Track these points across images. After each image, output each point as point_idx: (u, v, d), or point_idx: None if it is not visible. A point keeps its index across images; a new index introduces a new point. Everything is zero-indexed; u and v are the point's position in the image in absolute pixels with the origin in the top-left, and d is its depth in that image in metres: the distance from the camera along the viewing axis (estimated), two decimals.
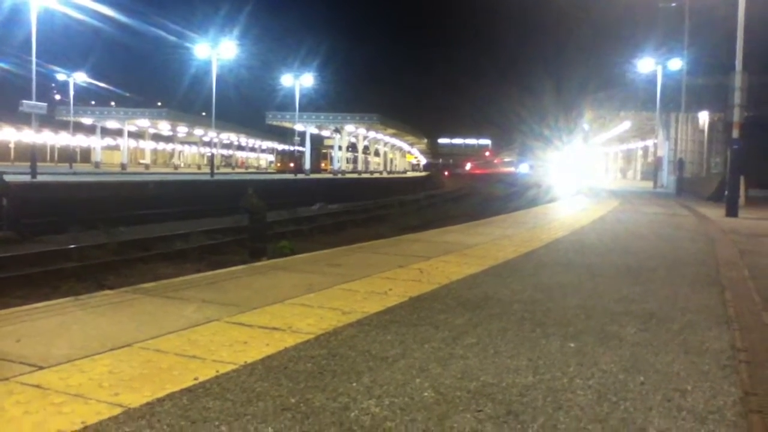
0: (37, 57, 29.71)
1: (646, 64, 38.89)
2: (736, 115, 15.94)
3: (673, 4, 33.17)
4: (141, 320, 4.17)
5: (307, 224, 20.54)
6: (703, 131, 42.16)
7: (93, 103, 76.20)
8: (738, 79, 15.91)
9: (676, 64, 37.07)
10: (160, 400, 2.75)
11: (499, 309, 4.79)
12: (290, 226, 19.63)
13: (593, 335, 4.08)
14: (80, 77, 58.50)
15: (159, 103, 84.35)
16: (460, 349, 3.68)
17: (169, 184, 30.87)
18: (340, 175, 60.01)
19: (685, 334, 4.17)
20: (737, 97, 15.98)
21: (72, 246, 13.31)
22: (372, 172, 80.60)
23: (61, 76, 59.97)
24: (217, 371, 3.15)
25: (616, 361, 3.54)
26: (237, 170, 79.41)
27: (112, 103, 78.60)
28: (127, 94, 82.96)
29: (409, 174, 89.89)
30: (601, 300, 5.26)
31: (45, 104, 31.33)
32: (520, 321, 4.42)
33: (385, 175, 79.72)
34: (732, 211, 15.62)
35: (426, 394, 2.95)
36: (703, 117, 40.74)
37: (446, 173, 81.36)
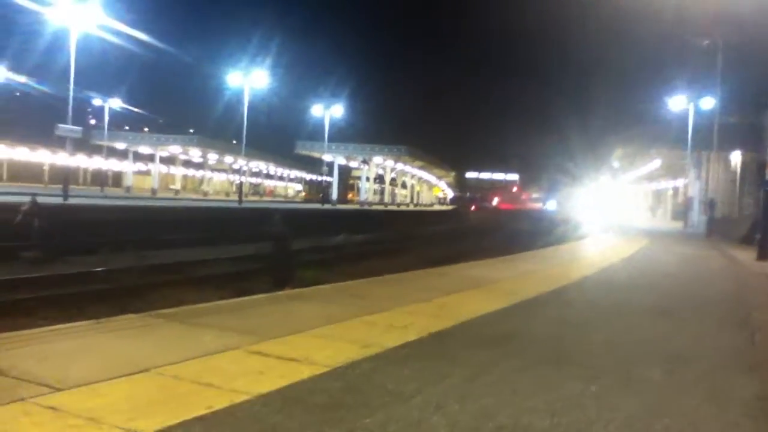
0: (74, 82, 30.41)
1: (678, 102, 38.64)
2: None
3: (706, 42, 32.93)
4: (160, 345, 4.19)
5: (332, 253, 20.55)
6: (735, 171, 41.60)
7: (126, 128, 77.78)
8: None
9: (709, 102, 36.74)
10: (172, 428, 2.74)
11: (520, 347, 4.72)
12: (315, 254, 19.65)
13: (616, 379, 3.99)
14: (115, 103, 59.86)
15: (191, 130, 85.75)
16: (479, 389, 3.62)
17: (197, 210, 31.25)
18: (366, 206, 60.17)
19: (714, 380, 4.07)
20: None
21: (99, 269, 13.45)
22: (399, 204, 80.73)
23: (96, 101, 61.43)
24: (232, 401, 3.14)
25: (638, 408, 3.45)
26: (264, 198, 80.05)
27: (146, 129, 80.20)
28: (161, 120, 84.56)
29: (436, 207, 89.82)
30: (620, 341, 5.16)
31: (80, 128, 32.07)
32: (540, 360, 4.35)
33: (411, 207, 79.78)
34: (764, 255, 15.29)
35: None
36: (736, 157, 40.22)
37: (473, 207, 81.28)
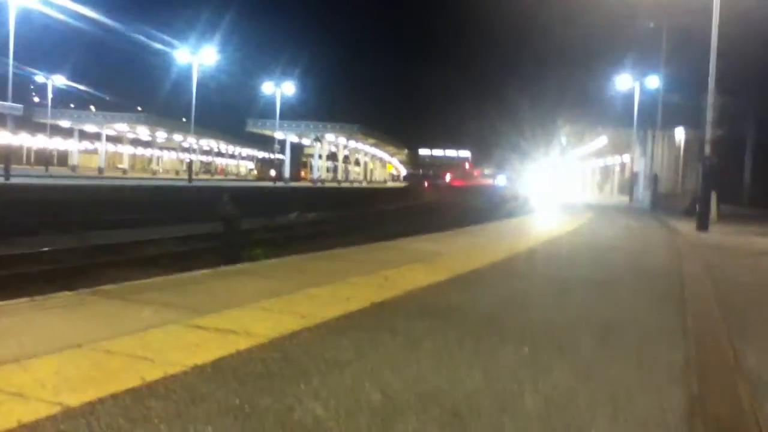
0: (14, 58, 29.40)
1: (624, 81, 39.46)
2: (708, 132, 16.19)
3: (652, 25, 33.58)
4: (95, 322, 4.12)
5: (283, 232, 20.43)
6: (679, 148, 42.72)
7: (72, 106, 75.56)
8: (710, 98, 16.18)
9: (654, 81, 37.55)
10: (102, 400, 2.71)
11: (459, 317, 4.80)
12: (266, 234, 19.50)
13: (550, 345, 4.09)
14: (59, 80, 58.08)
15: (139, 108, 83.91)
16: (415, 356, 3.68)
17: (145, 189, 30.65)
18: (319, 184, 59.92)
19: (642, 348, 4.20)
20: (709, 115, 16.23)
21: (40, 249, 13.11)
22: (352, 182, 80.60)
23: (39, 78, 59.47)
24: (165, 372, 3.11)
25: (568, 370, 3.55)
26: (216, 177, 78.95)
27: (92, 107, 78.01)
28: (107, 98, 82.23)
29: (390, 184, 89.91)
30: (558, 313, 5.29)
31: (21, 106, 31.14)
32: (478, 330, 4.43)
33: (365, 185, 79.69)
34: (703, 226, 15.78)
35: (374, 398, 2.94)
36: (679, 134, 41.30)
37: (426, 184, 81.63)
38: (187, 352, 3.49)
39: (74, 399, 2.71)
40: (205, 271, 6.51)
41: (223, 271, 6.65)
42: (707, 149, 16.07)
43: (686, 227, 16.56)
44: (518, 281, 6.79)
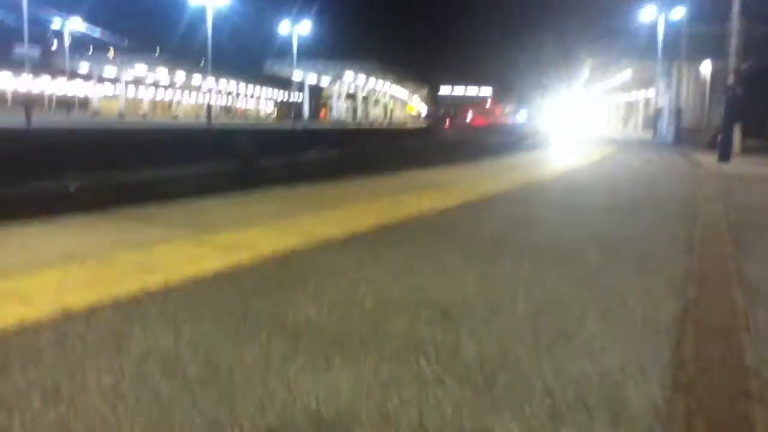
0: (31, 4, 29.27)
1: (649, 12, 38.21)
2: (733, 62, 15.78)
3: None
4: (104, 237, 4.23)
5: (301, 170, 20.48)
6: (705, 82, 41.63)
7: (90, 51, 75.31)
8: (735, 23, 15.68)
9: (679, 12, 36.36)
10: (103, 304, 2.80)
11: (463, 235, 4.84)
12: (283, 171, 19.58)
13: (550, 259, 4.12)
14: (75, 23, 57.69)
15: (157, 53, 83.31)
16: (414, 267, 3.73)
17: (166, 131, 30.77)
18: (339, 126, 59.62)
19: (645, 260, 4.21)
20: (734, 43, 15.78)
21: (62, 187, 13.33)
22: (371, 122, 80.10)
23: (56, 24, 59.16)
24: (166, 281, 3.20)
25: (565, 279, 3.58)
26: (235, 120, 78.88)
27: (110, 52, 77.65)
28: (125, 43, 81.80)
29: (410, 125, 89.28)
30: (566, 231, 5.29)
31: (38, 49, 31.00)
32: (480, 246, 4.46)
33: (384, 125, 79.20)
34: (724, 157, 15.55)
35: (368, 302, 3.00)
36: (705, 67, 40.19)
37: (447, 123, 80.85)
38: (189, 263, 3.57)
39: (75, 302, 2.80)
40: (216, 200, 6.58)
41: (238, 200, 6.72)
42: (731, 79, 15.66)
43: (707, 159, 16.31)
44: (529, 207, 6.78)
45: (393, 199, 6.63)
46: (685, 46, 34.51)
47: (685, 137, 28.83)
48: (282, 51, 61.14)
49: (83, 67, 63.22)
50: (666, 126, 38.94)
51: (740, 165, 14.75)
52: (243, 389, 2.03)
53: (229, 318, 2.69)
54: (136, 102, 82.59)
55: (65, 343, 2.36)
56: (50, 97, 79.84)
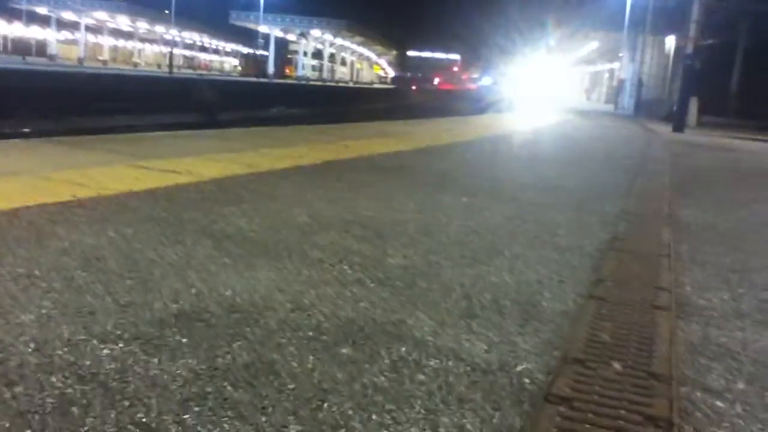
0: None
1: None
2: (693, 30, 15.95)
3: None
4: (42, 159, 4.13)
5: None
6: (668, 56, 42.07)
7: None
8: None
9: None
10: (29, 207, 2.76)
11: (409, 174, 4.85)
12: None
13: (491, 196, 4.17)
14: None
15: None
16: (353, 195, 3.74)
17: (125, 78, 29.96)
18: (304, 82, 58.87)
19: (584, 202, 4.28)
20: (695, 12, 15.94)
21: (10, 130, 12.94)
22: (338, 82, 79.24)
23: None
24: (98, 193, 3.15)
25: (501, 213, 3.63)
26: (198, 72, 77.26)
27: None
28: None
29: (376, 86, 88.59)
30: (516, 176, 5.35)
31: None
32: (425, 183, 4.49)
33: (351, 85, 78.42)
34: (679, 127, 15.82)
35: (300, 219, 3.00)
36: (670, 41, 40.58)
37: (414, 87, 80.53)
38: (124, 182, 3.52)
39: (2, 205, 2.75)
40: (163, 132, 6.47)
41: (184, 134, 6.62)
42: (689, 47, 15.86)
43: (663, 129, 16.59)
44: (479, 155, 6.84)
45: (346, 143, 6.61)
46: (650, 19, 34.72)
47: (646, 109, 29.22)
48: (249, 3, 59.91)
49: (41, 9, 60.96)
50: (628, 98, 39.37)
51: (692, 135, 15.03)
52: (160, 280, 2.03)
53: (156, 224, 2.67)
54: (96, 48, 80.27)
55: None
56: (5, 39, 77.13)
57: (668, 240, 3.25)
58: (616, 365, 1.70)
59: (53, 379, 1.37)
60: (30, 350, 1.49)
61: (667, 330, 1.98)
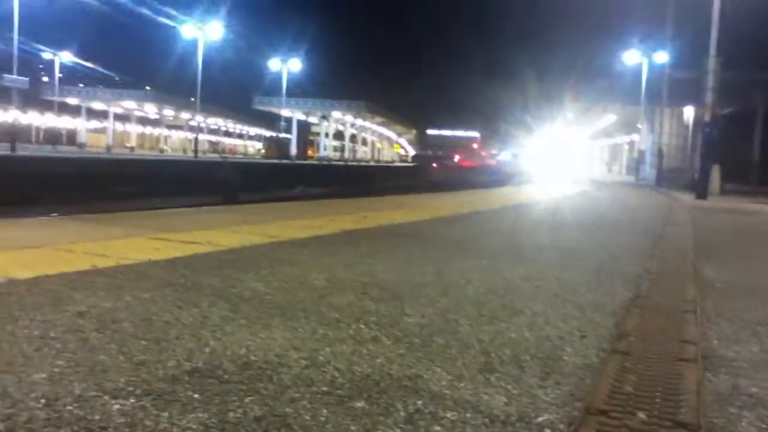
0: (23, 36, 29.51)
1: (632, 56, 38.93)
2: (709, 98, 16.07)
3: None
4: (65, 233, 4.20)
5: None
6: (687, 126, 42.30)
7: (81, 85, 75.62)
8: (711, 63, 16.03)
9: (662, 57, 37.06)
10: (49, 276, 2.78)
11: (428, 240, 4.85)
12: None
13: (511, 259, 4.14)
14: (66, 56, 58.04)
15: (147, 87, 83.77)
16: (371, 260, 3.73)
17: (150, 163, 30.70)
18: (325, 162, 59.83)
19: (605, 263, 4.22)
20: (710, 81, 16.10)
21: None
22: (359, 161, 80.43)
23: (47, 56, 59.46)
24: (118, 263, 3.18)
25: (521, 274, 3.59)
26: (223, 155, 78.92)
27: (100, 86, 78.00)
28: (116, 78, 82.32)
29: (397, 164, 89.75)
30: (536, 240, 5.31)
31: (26, 79, 31.08)
32: (444, 248, 4.47)
33: (372, 164, 79.52)
34: (701, 195, 15.71)
35: (317, 282, 2.99)
36: (688, 112, 40.87)
37: (435, 165, 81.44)
38: (144, 252, 3.55)
39: (22, 274, 2.78)
40: (185, 208, 6.57)
41: (206, 210, 6.71)
42: (707, 116, 15.95)
43: (685, 197, 16.49)
44: (498, 222, 6.83)
45: (366, 214, 6.64)
46: (667, 91, 35.11)
47: (668, 179, 29.15)
48: (272, 88, 61.72)
49: (72, 100, 63.30)
50: (649, 169, 39.36)
51: (715, 202, 14.91)
52: (174, 340, 2.01)
53: (174, 289, 2.68)
54: (123, 135, 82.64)
55: (4, 301, 2.34)
56: (38, 129, 79.77)
57: (693, 297, 3.18)
58: (642, 415, 1.64)
59: None
60: (40, 406, 1.47)
61: (693, 381, 1.91)
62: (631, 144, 55.99)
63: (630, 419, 1.61)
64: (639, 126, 41.99)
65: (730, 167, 22.36)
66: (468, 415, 1.57)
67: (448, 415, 1.57)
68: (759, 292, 3.48)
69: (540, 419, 1.58)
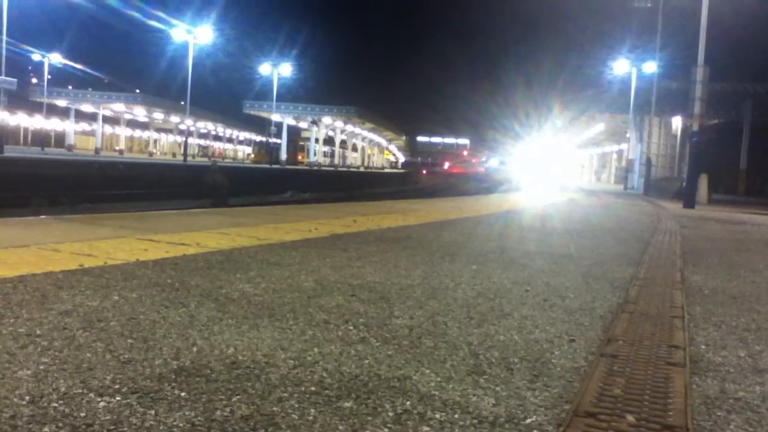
0: (12, 37, 29.31)
1: (621, 66, 39.15)
2: (697, 107, 16.19)
3: (649, 5, 33.47)
4: (52, 233, 4.17)
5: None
6: (675, 136, 42.65)
7: (70, 87, 75.26)
8: (699, 73, 16.16)
9: (651, 67, 37.28)
10: (35, 274, 2.76)
11: (417, 244, 4.84)
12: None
13: (500, 264, 4.14)
14: (56, 58, 57.75)
15: (137, 90, 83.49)
16: (360, 263, 3.72)
17: (138, 165, 30.57)
18: (315, 167, 59.78)
19: (593, 268, 4.23)
20: (698, 91, 16.23)
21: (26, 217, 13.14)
22: (349, 167, 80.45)
23: (36, 57, 59.15)
24: (105, 262, 3.16)
25: (510, 278, 3.59)
26: (213, 159, 78.71)
27: (89, 88, 77.69)
28: (105, 79, 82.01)
29: (387, 170, 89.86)
30: (525, 246, 5.32)
31: (14, 80, 30.89)
32: (432, 252, 4.47)
33: (362, 170, 79.58)
34: (689, 203, 15.80)
35: (306, 284, 2.98)
36: (676, 121, 41.21)
37: (424, 171, 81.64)
38: (132, 253, 3.53)
39: (8, 273, 2.75)
40: (173, 210, 6.54)
41: (194, 212, 6.68)
42: (695, 125, 16.07)
43: (672, 205, 16.61)
44: (487, 228, 6.83)
45: (355, 218, 6.64)
46: (655, 101, 35.34)
47: (656, 188, 29.31)
48: (262, 92, 61.67)
49: (61, 102, 62.97)
50: (637, 178, 39.58)
51: (703, 210, 15.01)
52: (161, 339, 2.00)
53: (161, 289, 2.66)
54: (112, 138, 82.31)
55: None
56: (26, 131, 79.35)
57: (681, 303, 3.19)
58: (630, 418, 1.64)
59: (45, 429, 1.33)
60: (24, 403, 1.45)
61: (681, 385, 1.91)
62: (620, 153, 56.33)
63: (618, 422, 1.61)
64: (627, 135, 42.21)
65: (717, 177, 22.53)
66: (456, 415, 1.57)
67: (437, 415, 1.56)
68: (746, 298, 3.49)
69: (528, 420, 1.57)
